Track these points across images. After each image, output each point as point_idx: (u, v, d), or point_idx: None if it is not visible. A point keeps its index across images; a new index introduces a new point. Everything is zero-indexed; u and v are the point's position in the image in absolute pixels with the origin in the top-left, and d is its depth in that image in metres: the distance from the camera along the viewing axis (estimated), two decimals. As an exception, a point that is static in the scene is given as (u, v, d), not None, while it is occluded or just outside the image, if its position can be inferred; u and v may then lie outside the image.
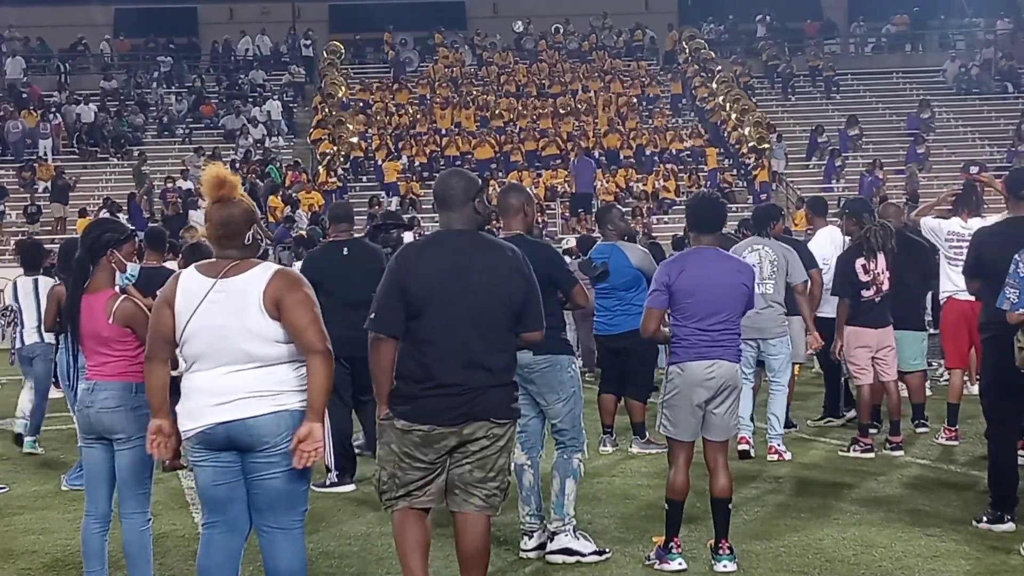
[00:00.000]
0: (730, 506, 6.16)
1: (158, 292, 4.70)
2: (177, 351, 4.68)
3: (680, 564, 6.09)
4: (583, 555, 6.29)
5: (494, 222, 14.90)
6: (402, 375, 4.87)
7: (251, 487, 4.63)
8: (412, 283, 4.81)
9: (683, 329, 6.09)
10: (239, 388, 4.51)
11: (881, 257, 8.99)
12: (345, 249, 8.49)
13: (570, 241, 18.79)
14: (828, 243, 10.49)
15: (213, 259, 4.70)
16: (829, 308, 9.78)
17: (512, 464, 5.21)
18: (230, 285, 4.56)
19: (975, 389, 9.45)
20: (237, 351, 4.52)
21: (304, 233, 20.54)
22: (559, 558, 6.28)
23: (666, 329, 6.19)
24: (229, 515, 4.65)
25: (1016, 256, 6.41)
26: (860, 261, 9.03)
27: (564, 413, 6.40)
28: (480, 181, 5.21)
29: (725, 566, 6.06)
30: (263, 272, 4.59)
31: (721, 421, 6.15)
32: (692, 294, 6.06)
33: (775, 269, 9.00)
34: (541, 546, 6.40)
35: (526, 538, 6.47)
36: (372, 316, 4.87)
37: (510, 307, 4.91)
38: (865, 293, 9.04)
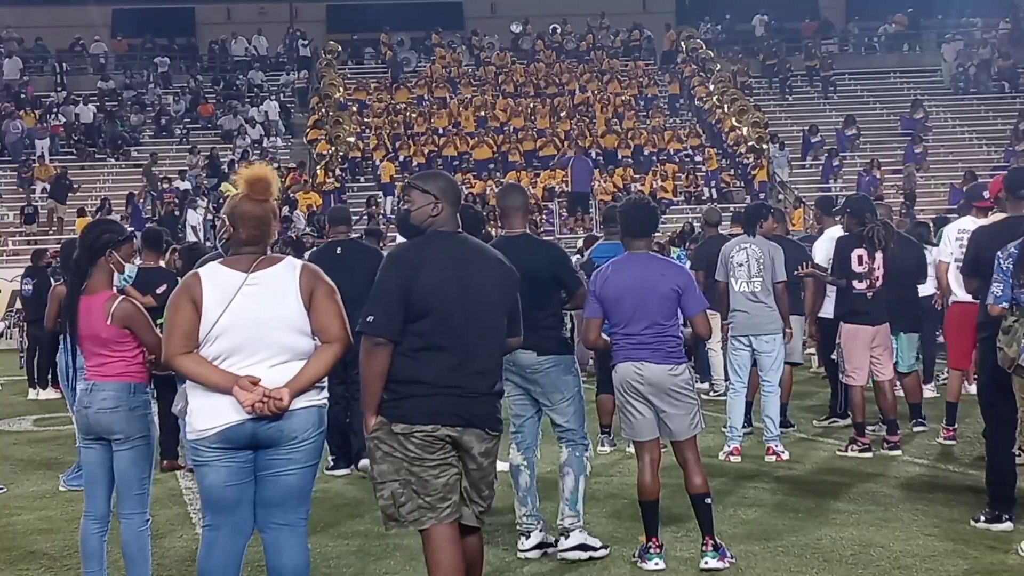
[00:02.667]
0: (708, 501, 6.14)
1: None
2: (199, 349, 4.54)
3: (656, 564, 6.10)
4: (596, 550, 6.34)
5: (492, 223, 14.78)
6: (397, 379, 4.59)
7: (264, 483, 4.60)
8: (418, 284, 4.56)
9: (614, 335, 6.22)
10: (275, 382, 4.48)
11: (879, 255, 9.01)
12: (339, 249, 8.83)
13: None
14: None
15: (234, 256, 4.66)
16: (829, 308, 9.80)
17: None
18: (263, 277, 4.56)
19: (972, 389, 9.45)
20: (273, 344, 4.51)
21: (293, 235, 20.53)
22: (575, 554, 6.30)
23: (607, 337, 6.28)
24: (237, 517, 4.62)
25: (998, 253, 6.49)
26: (858, 252, 9.04)
27: (571, 412, 6.41)
28: (460, 188, 5.13)
29: (707, 563, 6.07)
30: (292, 264, 4.65)
31: (673, 422, 6.16)
32: (616, 301, 6.14)
33: (762, 267, 9.00)
34: (539, 546, 6.42)
35: (523, 538, 6.47)
36: (370, 319, 4.54)
37: (506, 314, 4.83)
38: (857, 285, 9.05)
